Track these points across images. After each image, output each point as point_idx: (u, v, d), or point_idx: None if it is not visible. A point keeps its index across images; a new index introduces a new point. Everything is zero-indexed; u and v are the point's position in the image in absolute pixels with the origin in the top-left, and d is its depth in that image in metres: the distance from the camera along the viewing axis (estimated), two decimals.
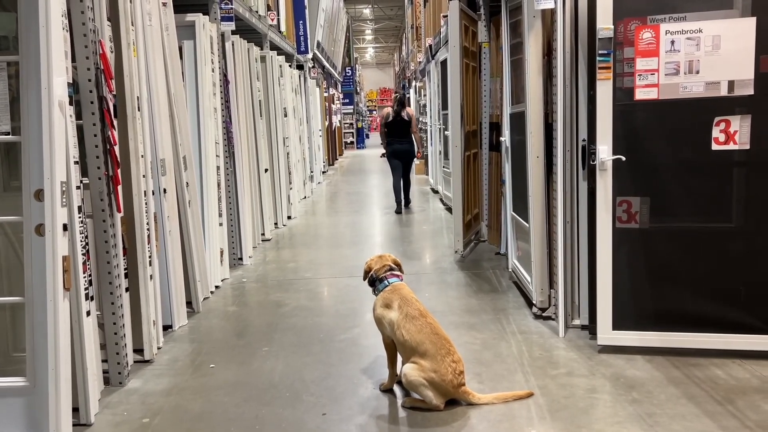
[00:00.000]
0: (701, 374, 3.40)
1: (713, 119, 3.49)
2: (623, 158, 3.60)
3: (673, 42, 3.48)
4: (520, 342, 3.98)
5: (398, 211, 9.47)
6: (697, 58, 3.46)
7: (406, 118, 9.34)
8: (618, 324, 3.70)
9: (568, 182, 4.04)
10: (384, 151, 10.07)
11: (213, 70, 5.46)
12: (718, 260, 3.63)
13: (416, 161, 10.75)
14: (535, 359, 3.70)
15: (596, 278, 3.71)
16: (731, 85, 3.44)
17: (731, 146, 3.49)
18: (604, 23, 3.56)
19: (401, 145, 9.41)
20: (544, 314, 4.37)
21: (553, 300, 4.32)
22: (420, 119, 13.38)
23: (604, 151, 3.62)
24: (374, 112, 40.25)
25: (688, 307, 3.66)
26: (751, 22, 3.40)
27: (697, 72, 3.47)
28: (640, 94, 3.56)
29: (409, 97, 18.34)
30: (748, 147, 3.48)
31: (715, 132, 3.50)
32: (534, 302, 4.44)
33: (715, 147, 3.51)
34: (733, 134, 3.48)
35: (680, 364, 3.53)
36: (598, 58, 3.59)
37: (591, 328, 3.95)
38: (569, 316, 4.14)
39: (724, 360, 3.54)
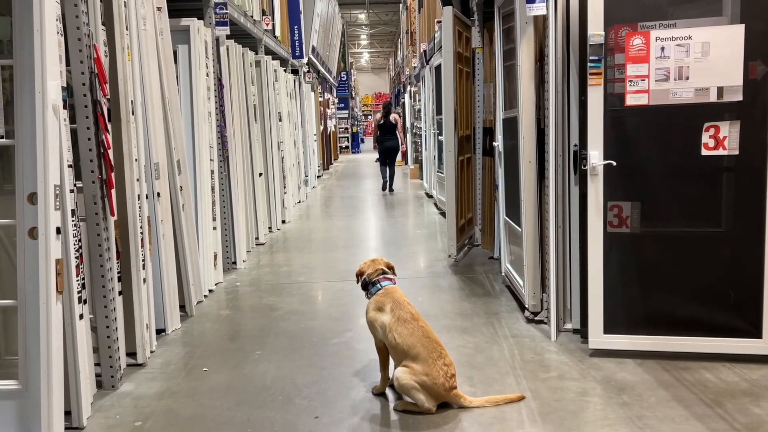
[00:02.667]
0: (691, 377, 3.43)
1: (703, 125, 3.53)
2: (614, 163, 3.64)
3: (663, 48, 3.52)
4: (512, 345, 4.00)
5: (383, 189, 12.72)
6: (686, 64, 3.50)
7: (392, 121, 12.46)
8: (609, 328, 3.73)
9: (560, 187, 4.07)
10: (378, 156, 12.95)
11: (207, 75, 5.48)
12: (707, 264, 3.66)
13: (400, 153, 14.87)
14: (527, 362, 3.72)
15: (587, 282, 3.74)
16: (720, 91, 3.48)
17: (720, 152, 3.53)
18: (596, 30, 3.60)
19: (389, 142, 12.48)
20: (536, 318, 4.40)
21: (545, 304, 4.34)
22: (414, 124, 14.48)
23: (595, 156, 3.65)
24: (369, 117, 40.34)
25: (678, 311, 3.69)
26: (739, 29, 3.44)
27: (687, 78, 3.51)
28: (631, 100, 3.60)
29: (403, 101, 18.65)
30: (737, 152, 3.51)
31: (705, 137, 3.54)
32: (526, 306, 4.46)
33: (704, 152, 3.55)
34: (722, 140, 3.52)
35: (670, 367, 3.56)
36: (589, 64, 3.63)
37: (582, 331, 3.98)
38: (561, 319, 4.16)
39: (713, 363, 3.57)
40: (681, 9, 3.61)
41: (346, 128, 28.35)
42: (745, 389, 3.27)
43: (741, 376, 3.42)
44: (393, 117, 12.52)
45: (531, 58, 4.30)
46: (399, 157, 16.20)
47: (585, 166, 3.70)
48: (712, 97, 3.49)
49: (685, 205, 3.72)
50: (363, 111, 39.96)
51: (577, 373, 3.54)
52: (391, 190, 12.66)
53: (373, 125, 13.49)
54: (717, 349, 3.61)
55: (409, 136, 17.22)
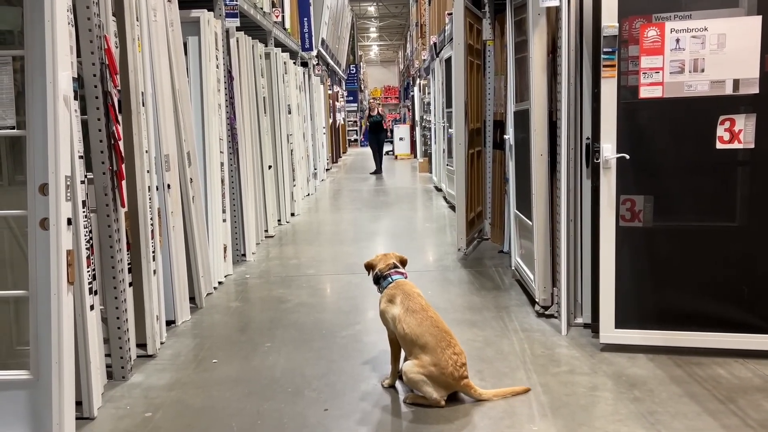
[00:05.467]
0: (703, 373, 3.40)
1: (718, 118, 3.48)
2: (627, 156, 3.60)
3: (678, 40, 3.47)
4: (523, 340, 3.98)
5: (374, 173, 15.54)
6: (702, 56, 3.45)
7: (378, 118, 16.05)
8: (620, 322, 3.70)
9: (571, 180, 4.04)
10: (389, 149, 16.76)
11: (217, 67, 5.47)
12: (721, 259, 3.62)
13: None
14: (537, 357, 3.70)
15: (599, 277, 3.71)
16: (736, 83, 3.43)
17: (736, 145, 3.49)
18: (609, 21, 3.56)
19: (378, 135, 15.93)
20: (546, 312, 4.37)
21: (555, 298, 4.32)
22: (423, 117, 15.75)
23: (608, 149, 3.61)
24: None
25: (690, 306, 3.65)
26: (756, 21, 3.39)
27: (702, 70, 3.46)
28: (645, 93, 3.56)
29: (412, 94, 18.87)
30: (752, 146, 3.47)
31: (720, 131, 3.49)
32: (536, 300, 4.43)
33: (719, 146, 3.50)
34: (737, 133, 3.47)
35: (682, 362, 3.53)
36: (602, 56, 3.59)
37: (593, 326, 3.95)
38: (572, 314, 4.14)
39: (726, 359, 3.54)
40: (696, 0, 3.56)
41: (355, 121, 28.29)
42: (758, 385, 3.23)
43: (754, 372, 3.39)
44: (378, 113, 16.15)
45: (543, 50, 4.26)
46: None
47: (597, 159, 3.67)
48: (728, 90, 3.45)
49: (698, 200, 3.68)
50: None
51: (588, 367, 3.52)
52: (380, 171, 15.79)
53: (365, 121, 17.64)
54: (730, 344, 3.57)
55: (418, 129, 17.41)
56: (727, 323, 3.59)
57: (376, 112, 16.08)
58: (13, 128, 2.98)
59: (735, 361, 3.52)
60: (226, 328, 4.39)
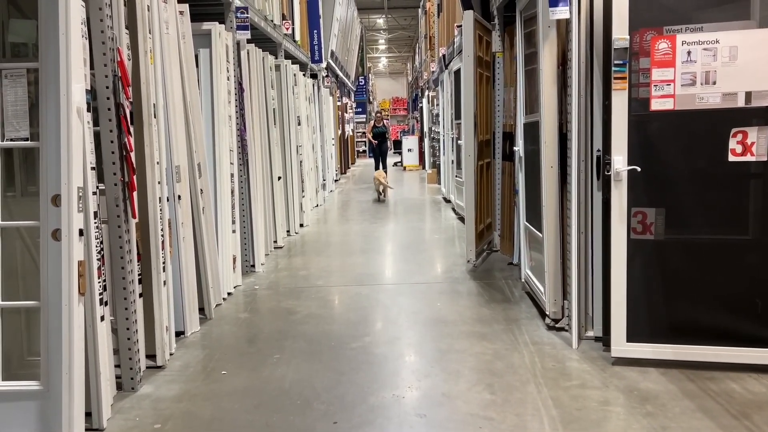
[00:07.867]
0: (716, 388, 3.36)
1: (730, 130, 3.46)
2: (638, 169, 3.58)
3: (689, 52, 3.46)
4: (533, 353, 3.95)
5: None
6: (713, 68, 3.44)
7: (382, 129, 16.31)
8: (632, 336, 3.67)
9: (582, 192, 4.02)
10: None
11: (228, 78, 5.50)
12: (734, 273, 3.59)
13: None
14: (548, 370, 3.67)
15: (610, 290, 3.68)
16: (748, 96, 3.41)
17: (748, 158, 3.46)
18: (620, 33, 3.56)
19: (381, 145, 16.04)
20: (557, 325, 4.34)
21: (566, 311, 4.29)
22: (432, 128, 15.81)
23: (619, 161, 3.60)
24: (385, 122, 40.37)
25: (703, 320, 3.62)
26: None
27: (714, 83, 3.45)
28: (656, 105, 3.55)
29: (421, 106, 18.97)
30: (765, 159, 3.45)
31: (732, 143, 3.47)
32: (547, 313, 4.41)
33: (731, 158, 3.48)
34: (750, 146, 3.45)
35: (695, 377, 3.49)
36: (613, 69, 3.58)
37: (604, 339, 3.92)
38: (582, 327, 4.10)
39: (739, 374, 3.50)
40: (707, 13, 3.56)
41: (364, 133, 28.34)
42: None
43: None
44: (383, 124, 16.71)
45: (553, 62, 4.26)
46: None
47: (608, 171, 3.65)
48: (740, 102, 3.43)
49: (711, 212, 3.66)
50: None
51: (599, 381, 3.49)
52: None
53: (368, 131, 17.53)
54: (743, 359, 3.53)
55: (426, 140, 17.49)
56: (741, 337, 3.55)
57: (381, 124, 16.50)
58: (26, 140, 3.01)
59: (749, 375, 3.48)
60: (235, 339, 4.39)
